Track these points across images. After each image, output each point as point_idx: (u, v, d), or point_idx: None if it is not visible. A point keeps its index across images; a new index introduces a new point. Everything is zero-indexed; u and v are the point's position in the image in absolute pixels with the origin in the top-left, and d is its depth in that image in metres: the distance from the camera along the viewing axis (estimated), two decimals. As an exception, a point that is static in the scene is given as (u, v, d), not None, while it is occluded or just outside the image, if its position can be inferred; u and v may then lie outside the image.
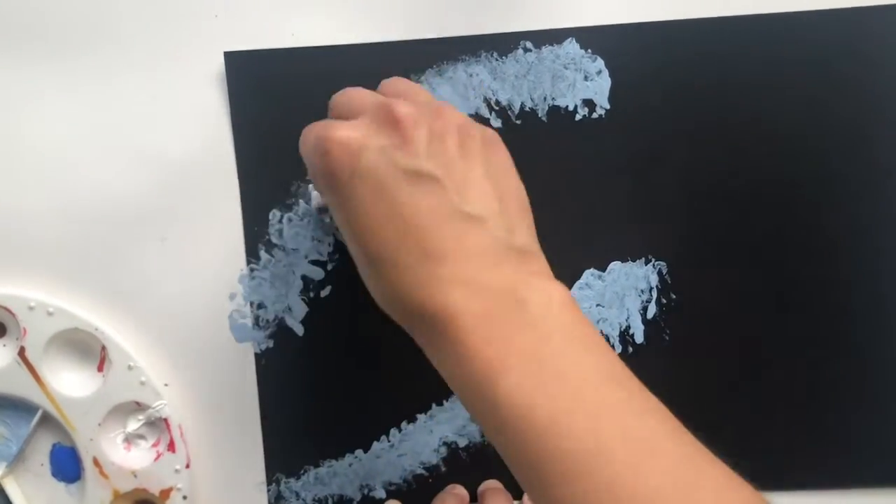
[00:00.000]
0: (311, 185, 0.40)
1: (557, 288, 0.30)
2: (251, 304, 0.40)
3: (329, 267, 0.40)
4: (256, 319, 0.40)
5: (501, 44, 0.39)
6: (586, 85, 0.40)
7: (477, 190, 0.30)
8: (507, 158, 0.33)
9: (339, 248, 0.40)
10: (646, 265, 0.40)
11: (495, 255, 0.30)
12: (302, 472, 0.41)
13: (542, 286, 0.30)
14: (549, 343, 0.29)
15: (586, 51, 0.40)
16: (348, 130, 0.30)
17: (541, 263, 0.31)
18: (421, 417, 0.41)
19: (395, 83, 0.34)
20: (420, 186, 0.29)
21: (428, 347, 0.31)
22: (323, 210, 0.39)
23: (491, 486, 0.40)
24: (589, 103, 0.40)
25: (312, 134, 0.31)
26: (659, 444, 0.27)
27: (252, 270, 0.40)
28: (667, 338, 0.40)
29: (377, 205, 0.29)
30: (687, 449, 0.28)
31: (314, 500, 0.41)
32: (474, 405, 0.29)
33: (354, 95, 0.32)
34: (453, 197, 0.30)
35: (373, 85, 0.39)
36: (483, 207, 0.30)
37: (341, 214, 0.31)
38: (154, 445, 0.41)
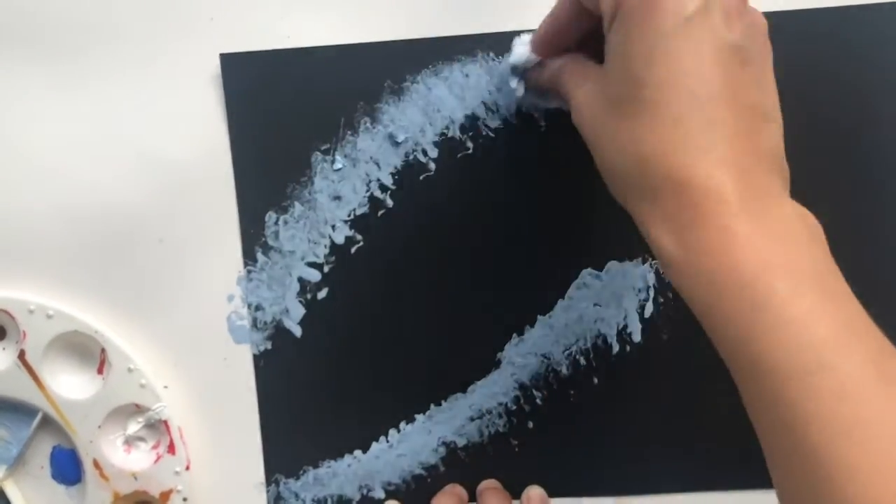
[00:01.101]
0: (518, 40, 0.36)
1: (815, 219, 0.29)
2: (249, 305, 0.40)
3: (326, 269, 0.40)
4: (254, 321, 0.40)
5: (497, 43, 0.39)
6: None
7: (773, 91, 0.30)
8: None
9: (336, 251, 0.40)
10: (643, 264, 0.40)
11: (773, 162, 0.29)
12: (301, 472, 0.41)
13: (805, 212, 0.29)
14: (820, 263, 0.27)
15: (582, 50, 0.40)
16: None
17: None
18: (419, 418, 0.41)
19: None
20: (733, 60, 0.28)
21: (672, 228, 0.28)
22: (518, 72, 0.37)
23: (489, 485, 0.40)
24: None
25: None
26: None
27: (249, 272, 0.40)
28: (664, 337, 0.40)
29: (689, 57, 0.28)
30: None
31: (313, 500, 0.41)
32: (725, 296, 0.27)
33: None
34: (756, 85, 0.29)
35: (368, 86, 0.39)
36: (776, 110, 0.30)
37: (639, 49, 0.28)
38: (154, 447, 0.41)
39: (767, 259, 0.26)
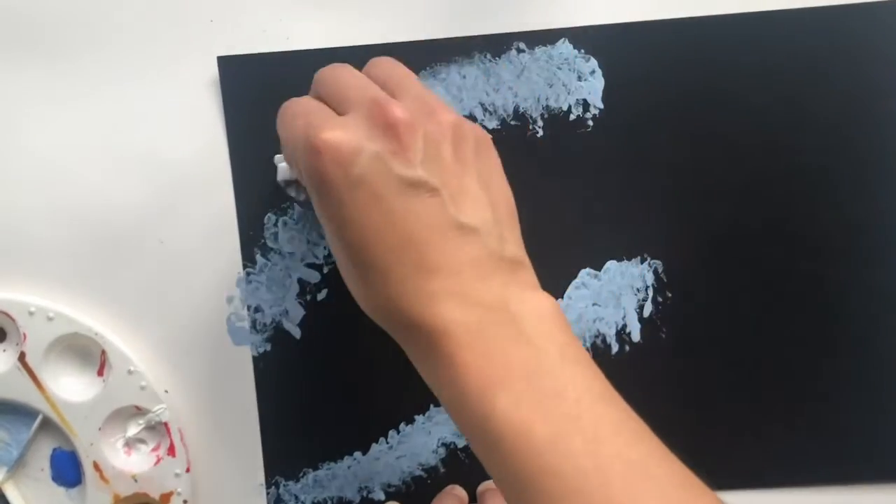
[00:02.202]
0: (276, 157, 0.39)
1: (547, 301, 0.30)
2: (248, 307, 0.41)
3: (325, 270, 0.40)
4: (254, 323, 0.41)
5: (494, 45, 0.39)
6: (580, 85, 0.40)
7: (471, 199, 0.30)
8: (498, 161, 0.32)
9: (335, 251, 0.40)
10: (641, 264, 0.40)
11: (487, 267, 0.29)
12: (301, 474, 0.41)
13: (533, 299, 0.30)
14: (543, 360, 0.28)
15: (579, 51, 0.40)
16: (341, 132, 0.29)
17: (529, 274, 0.31)
18: (419, 419, 0.41)
19: (383, 65, 0.32)
20: (416, 196, 0.29)
21: (417, 359, 0.30)
22: (289, 184, 0.38)
23: (490, 486, 0.40)
24: (583, 103, 0.40)
25: (299, 122, 0.30)
26: (653, 467, 0.27)
27: (248, 274, 0.40)
28: (663, 336, 0.40)
29: (371, 214, 0.29)
30: (678, 474, 0.27)
31: (313, 502, 0.41)
32: (466, 419, 0.29)
33: (343, 80, 0.31)
34: (449, 207, 0.29)
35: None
36: (477, 218, 0.30)
37: (330, 219, 0.30)
38: (154, 450, 0.41)
39: (487, 379, 0.28)
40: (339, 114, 0.30)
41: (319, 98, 0.31)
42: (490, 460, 0.28)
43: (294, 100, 0.32)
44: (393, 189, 0.28)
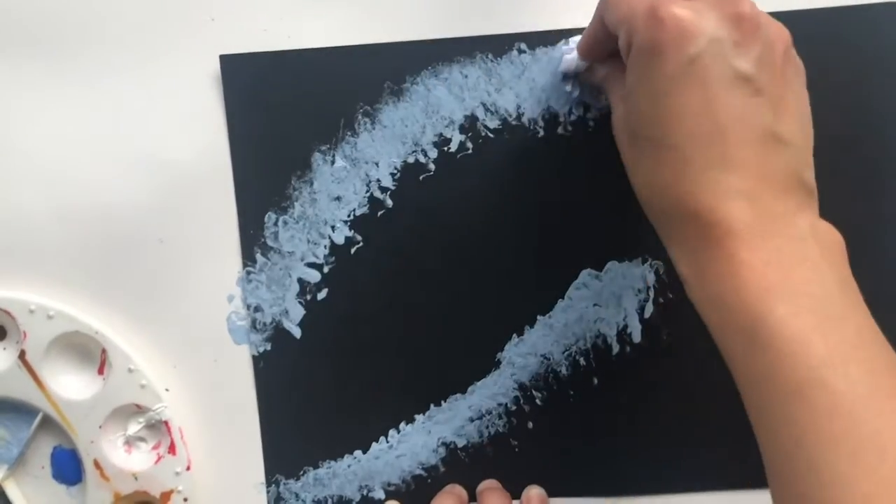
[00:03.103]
0: (566, 48, 0.38)
1: (835, 233, 0.30)
2: (248, 306, 0.41)
3: (325, 270, 0.40)
4: (254, 322, 0.41)
5: (496, 45, 0.39)
6: (581, 86, 0.40)
7: (790, 114, 0.30)
8: (807, 94, 0.32)
9: (335, 251, 0.40)
10: (643, 264, 0.40)
11: (788, 183, 0.30)
12: (301, 473, 0.41)
13: (823, 227, 0.30)
14: (826, 284, 0.29)
15: (581, 51, 0.40)
16: (690, 11, 0.29)
17: (816, 206, 0.31)
18: (419, 418, 0.41)
19: None
20: (742, 91, 0.29)
21: (685, 251, 0.30)
22: (568, 77, 0.39)
23: (489, 485, 0.40)
24: (583, 104, 0.40)
25: None
26: None
27: (248, 273, 0.40)
28: (664, 337, 0.40)
29: (694, 95, 0.29)
30: None
31: (313, 500, 0.41)
32: (732, 316, 0.29)
33: None
34: (769, 113, 0.29)
35: (368, 86, 0.40)
36: (792, 133, 0.30)
37: (648, 92, 0.30)
38: (154, 448, 0.41)
39: (769, 284, 0.28)
40: None
41: None
42: (749, 362, 0.28)
43: None
44: (723, 77, 0.29)
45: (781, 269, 0.28)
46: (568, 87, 0.39)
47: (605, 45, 0.34)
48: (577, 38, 0.38)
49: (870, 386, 0.27)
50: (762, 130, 0.29)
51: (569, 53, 0.38)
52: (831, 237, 0.30)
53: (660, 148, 0.30)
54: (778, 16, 0.39)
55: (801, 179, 0.30)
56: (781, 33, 0.30)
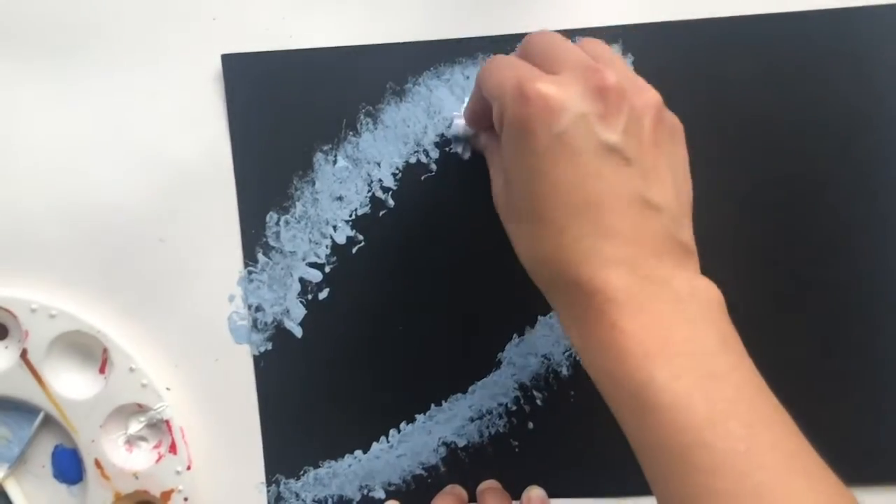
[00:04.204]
0: (456, 114, 0.39)
1: (714, 289, 0.31)
2: (249, 306, 0.41)
3: (327, 269, 0.40)
4: (255, 322, 0.41)
5: (498, 46, 0.39)
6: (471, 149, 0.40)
7: (660, 179, 0.30)
8: (686, 154, 0.33)
9: (337, 251, 0.40)
10: (643, 265, 0.40)
11: (663, 246, 0.30)
12: (301, 472, 0.41)
13: (701, 284, 0.30)
14: (706, 342, 0.29)
15: (583, 52, 0.40)
16: (554, 87, 0.29)
17: (696, 263, 0.32)
18: (420, 418, 0.41)
19: (595, 45, 0.33)
20: (611, 162, 0.29)
21: (572, 318, 0.31)
22: (459, 140, 0.39)
23: (489, 486, 0.40)
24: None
25: (510, 73, 0.31)
26: (807, 460, 0.28)
27: (250, 273, 0.40)
28: (665, 338, 0.40)
29: (565, 169, 0.29)
30: (825, 473, 0.28)
31: (314, 500, 0.41)
32: (618, 384, 0.29)
33: (557, 44, 0.32)
34: (639, 180, 0.30)
35: (370, 87, 0.40)
36: (662, 197, 0.30)
37: (521, 167, 0.30)
38: (155, 447, 0.41)
39: (648, 350, 0.29)
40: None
41: (527, 60, 0.32)
42: (637, 427, 0.29)
43: (502, 56, 0.33)
44: (591, 150, 0.29)
45: (661, 333, 0.29)
46: (459, 149, 0.40)
47: (485, 115, 0.34)
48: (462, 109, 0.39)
49: (749, 441, 0.27)
50: (633, 198, 0.30)
51: (458, 118, 0.39)
52: (709, 294, 0.30)
53: (536, 220, 0.30)
54: (777, 18, 0.39)
55: (676, 241, 0.31)
56: (650, 100, 0.30)
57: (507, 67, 0.31)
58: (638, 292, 0.29)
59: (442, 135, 0.40)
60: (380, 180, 0.40)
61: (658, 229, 0.30)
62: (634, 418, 0.29)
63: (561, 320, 0.32)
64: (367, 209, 0.40)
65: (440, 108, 0.40)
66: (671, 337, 0.29)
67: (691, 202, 0.32)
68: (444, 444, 0.41)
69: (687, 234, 0.31)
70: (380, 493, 0.41)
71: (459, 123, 0.39)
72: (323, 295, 0.40)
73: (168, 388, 0.41)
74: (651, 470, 0.29)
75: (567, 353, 0.40)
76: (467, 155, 0.39)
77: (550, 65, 0.31)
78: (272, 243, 0.40)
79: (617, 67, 0.31)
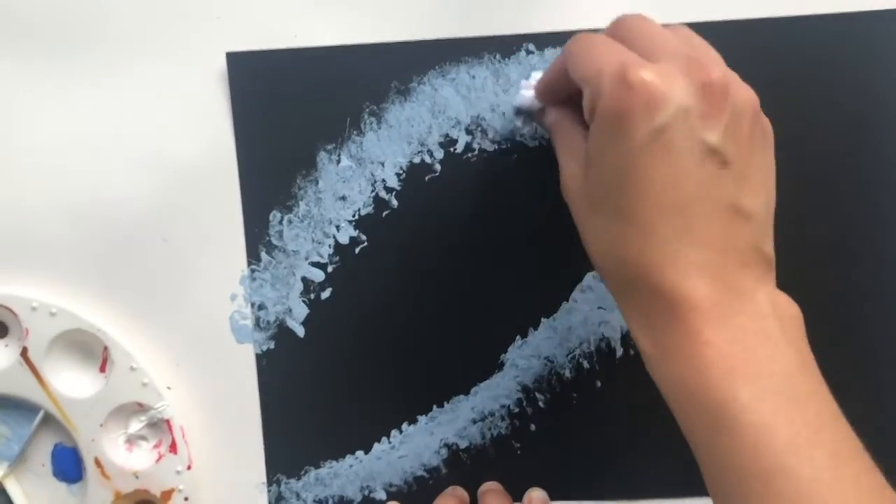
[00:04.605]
0: (524, 82, 0.37)
1: (795, 307, 0.30)
2: (252, 305, 0.40)
3: (329, 269, 0.40)
4: (257, 321, 0.40)
5: (504, 46, 0.39)
6: (532, 123, 0.40)
7: (753, 185, 0.29)
8: (773, 158, 0.31)
9: (340, 251, 0.40)
10: (647, 268, 0.40)
11: (750, 257, 0.29)
12: (302, 472, 0.41)
13: (783, 302, 0.30)
14: (788, 363, 0.28)
15: (588, 52, 0.39)
16: (659, 77, 0.27)
17: (774, 279, 0.31)
18: (421, 419, 0.41)
19: (688, 34, 0.31)
20: (709, 164, 0.28)
21: (645, 325, 0.29)
22: (521, 112, 0.38)
23: (491, 487, 0.40)
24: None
25: (612, 55, 0.29)
26: (884, 497, 0.27)
27: (253, 272, 0.40)
28: (668, 340, 0.40)
29: (659, 167, 0.28)
30: None
31: (315, 500, 0.41)
32: (691, 397, 0.28)
33: (656, 31, 0.30)
34: (733, 186, 0.28)
35: (374, 86, 0.39)
36: (753, 205, 0.29)
37: (611, 159, 0.29)
38: (156, 446, 0.41)
39: (732, 365, 0.28)
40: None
41: (622, 43, 0.30)
42: (711, 444, 0.28)
43: (596, 34, 0.31)
44: (691, 149, 0.28)
45: (745, 349, 0.28)
46: (519, 123, 0.39)
47: (562, 93, 0.33)
48: (539, 74, 0.37)
49: (834, 471, 0.27)
50: (726, 204, 0.29)
51: (526, 90, 0.37)
52: (790, 311, 0.30)
53: (622, 217, 0.29)
54: (778, 22, 0.39)
55: (761, 252, 0.30)
56: (750, 98, 0.29)
57: (606, 49, 0.29)
58: (723, 304, 0.28)
59: (447, 134, 0.40)
60: (383, 180, 0.40)
61: (747, 239, 0.29)
62: (709, 434, 0.28)
63: (630, 325, 0.30)
64: (370, 209, 0.40)
65: (445, 108, 0.39)
66: (754, 354, 0.28)
67: (773, 212, 0.31)
68: (446, 445, 0.41)
69: (769, 246, 0.30)
70: (381, 494, 0.41)
71: (527, 95, 0.37)
72: (325, 294, 0.40)
73: (169, 388, 0.41)
74: (721, 489, 0.28)
75: (570, 356, 0.40)
76: (527, 129, 0.38)
77: (649, 52, 0.29)
78: (275, 242, 0.40)
79: (716, 60, 0.30)
